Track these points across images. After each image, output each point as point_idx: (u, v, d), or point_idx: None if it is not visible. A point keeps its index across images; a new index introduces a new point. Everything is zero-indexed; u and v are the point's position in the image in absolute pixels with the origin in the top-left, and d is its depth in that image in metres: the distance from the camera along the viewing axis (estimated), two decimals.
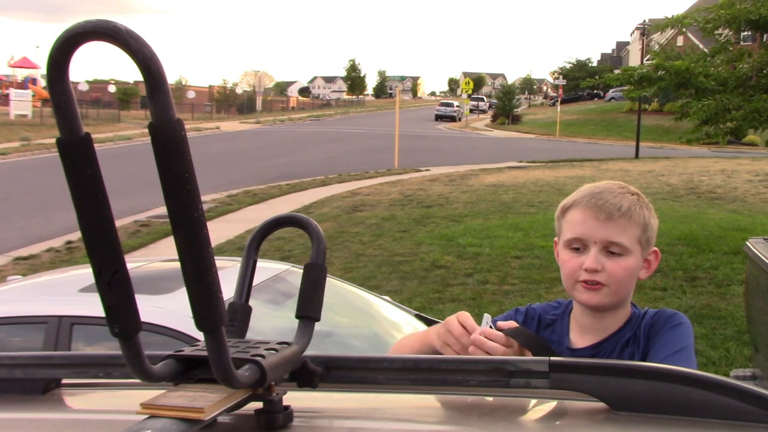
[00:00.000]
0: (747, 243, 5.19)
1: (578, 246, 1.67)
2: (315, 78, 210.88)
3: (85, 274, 4.45)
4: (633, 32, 77.99)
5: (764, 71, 10.18)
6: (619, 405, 0.93)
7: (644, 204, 1.73)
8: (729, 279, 8.73)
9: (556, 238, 1.79)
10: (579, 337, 1.75)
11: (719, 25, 10.42)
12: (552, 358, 0.98)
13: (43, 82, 53.56)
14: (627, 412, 0.93)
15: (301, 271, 1.11)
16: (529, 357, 1.06)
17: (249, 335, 1.10)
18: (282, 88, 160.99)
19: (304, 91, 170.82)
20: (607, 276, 1.65)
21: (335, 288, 4.86)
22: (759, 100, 9.55)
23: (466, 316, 1.58)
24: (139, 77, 0.74)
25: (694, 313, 7.60)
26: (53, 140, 0.79)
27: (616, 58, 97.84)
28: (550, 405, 1.03)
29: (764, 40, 10.83)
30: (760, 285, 4.85)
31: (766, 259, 4.62)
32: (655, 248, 1.75)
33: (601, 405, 0.95)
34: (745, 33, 11.64)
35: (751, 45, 12.27)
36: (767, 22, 9.73)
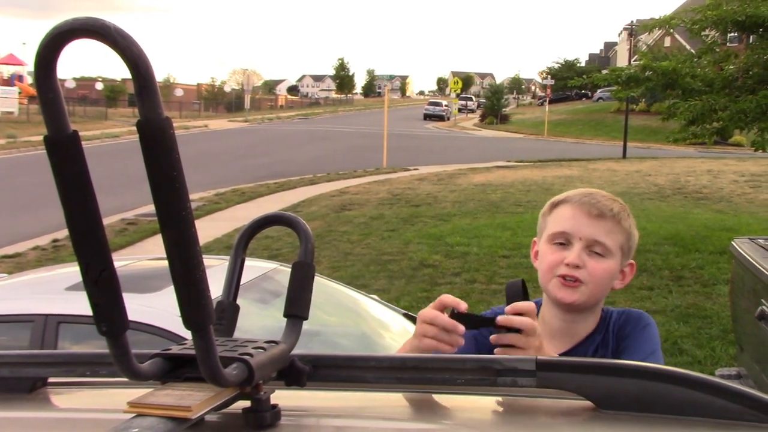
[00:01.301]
0: (732, 243, 5.22)
1: (562, 240, 1.67)
2: (304, 76, 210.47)
3: (71, 272, 4.43)
4: (621, 33, 78.25)
5: (750, 72, 10.25)
6: (606, 403, 0.94)
7: (630, 215, 1.74)
8: (715, 278, 8.79)
9: (535, 239, 1.78)
10: (547, 343, 1.69)
11: (706, 26, 10.48)
12: (539, 356, 0.98)
13: (29, 79, 53.29)
14: (613, 410, 0.93)
15: (289, 269, 1.11)
16: (517, 356, 1.06)
17: (237, 334, 1.10)
18: (270, 86, 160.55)
19: (293, 90, 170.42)
20: (586, 274, 1.64)
21: (323, 287, 4.86)
22: (745, 100, 9.61)
23: (435, 313, 1.44)
24: (127, 75, 0.74)
25: (680, 312, 7.65)
26: (40, 138, 0.79)
27: (604, 58, 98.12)
28: (537, 403, 1.03)
29: (750, 41, 10.90)
30: (745, 285, 4.88)
31: (751, 259, 4.65)
32: (632, 261, 1.76)
33: (587, 403, 0.95)
34: (732, 34, 11.70)
35: (738, 46, 12.36)
36: (753, 23, 9.79)
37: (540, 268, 1.71)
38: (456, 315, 1.44)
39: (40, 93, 0.74)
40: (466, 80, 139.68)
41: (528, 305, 1.44)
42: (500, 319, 1.42)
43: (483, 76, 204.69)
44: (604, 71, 12.83)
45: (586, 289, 1.65)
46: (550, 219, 1.73)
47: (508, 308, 1.45)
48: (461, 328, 1.43)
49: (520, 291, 1.52)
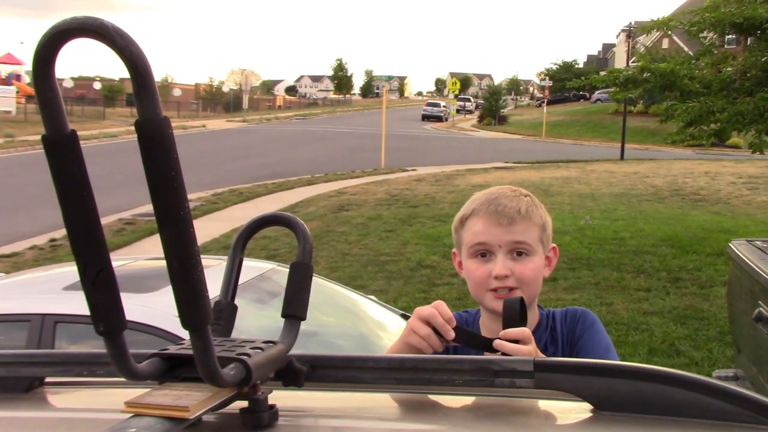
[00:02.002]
0: (730, 245, 5.22)
1: (484, 252, 1.68)
2: (302, 77, 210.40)
3: (68, 272, 4.43)
4: (619, 34, 78.26)
5: (748, 74, 10.26)
6: (603, 404, 0.94)
7: (538, 204, 1.75)
8: (712, 280, 8.80)
9: (454, 250, 1.79)
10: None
11: (704, 28, 10.49)
12: (536, 357, 0.98)
13: (27, 79, 53.22)
14: (610, 411, 0.93)
15: (287, 270, 1.11)
16: (514, 357, 1.06)
17: (235, 334, 1.10)
18: (269, 86, 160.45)
19: (291, 90, 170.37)
20: (516, 279, 1.66)
21: (321, 287, 4.86)
22: (742, 102, 9.62)
23: (434, 311, 1.47)
24: (125, 74, 0.74)
25: (678, 313, 7.65)
26: (37, 137, 0.79)
27: (602, 59, 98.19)
28: (535, 404, 1.03)
29: (748, 43, 10.91)
30: (742, 286, 4.88)
31: (748, 261, 4.65)
32: (554, 245, 1.77)
33: (585, 404, 0.95)
34: (730, 36, 11.72)
35: (735, 48, 12.37)
36: (751, 25, 9.79)
37: (469, 283, 1.73)
38: (458, 329, 1.47)
39: (38, 92, 0.74)
40: (465, 81, 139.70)
41: (523, 333, 1.45)
42: (497, 344, 1.44)
43: (481, 77, 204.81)
44: (603, 73, 12.85)
45: (520, 293, 1.65)
46: (464, 233, 1.73)
47: (502, 334, 1.46)
48: (452, 335, 1.45)
49: (518, 311, 1.51)
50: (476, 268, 1.69)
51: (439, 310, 1.47)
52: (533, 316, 1.75)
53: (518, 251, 1.67)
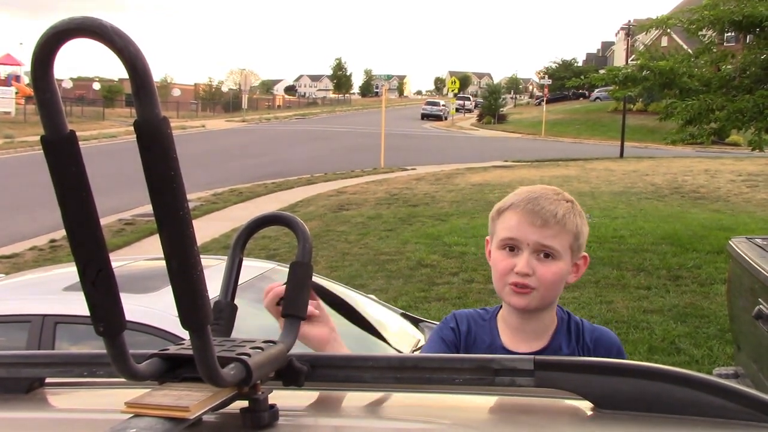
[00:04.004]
0: (730, 242, 5.22)
1: (512, 246, 1.71)
2: (301, 76, 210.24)
3: (69, 272, 4.43)
4: (618, 32, 78.26)
5: (747, 72, 10.26)
6: (604, 403, 0.94)
7: (578, 212, 1.76)
8: (712, 278, 8.80)
9: (488, 237, 1.82)
10: (511, 340, 1.78)
11: (703, 26, 10.49)
12: (537, 356, 0.98)
13: (26, 79, 53.15)
14: (611, 410, 0.93)
15: (287, 269, 1.11)
16: (515, 356, 1.06)
17: (235, 334, 1.10)
18: (268, 86, 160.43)
19: (290, 90, 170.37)
20: (536, 280, 1.69)
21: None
22: (742, 100, 9.62)
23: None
24: (124, 75, 0.74)
25: (678, 311, 7.66)
26: (37, 138, 0.79)
27: (601, 58, 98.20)
28: (535, 403, 1.03)
29: (747, 41, 10.91)
30: (742, 284, 4.88)
31: (748, 259, 4.65)
32: (585, 253, 1.79)
33: (585, 403, 0.95)
34: (729, 34, 11.72)
35: (735, 46, 12.38)
36: (750, 23, 9.79)
37: (493, 273, 1.76)
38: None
39: (37, 93, 0.74)
40: (464, 80, 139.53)
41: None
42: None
43: (480, 75, 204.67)
44: (602, 71, 12.85)
45: (537, 294, 1.70)
46: (498, 224, 1.76)
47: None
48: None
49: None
50: (502, 260, 1.73)
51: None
52: (548, 318, 1.78)
53: (545, 253, 1.69)
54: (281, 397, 0.96)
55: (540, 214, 1.69)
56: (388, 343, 1.67)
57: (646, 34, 14.05)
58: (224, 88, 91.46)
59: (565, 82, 18.78)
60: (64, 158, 0.75)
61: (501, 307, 1.85)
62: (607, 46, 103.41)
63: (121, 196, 15.27)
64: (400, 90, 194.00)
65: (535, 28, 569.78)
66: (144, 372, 0.88)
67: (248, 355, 0.91)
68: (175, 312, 0.79)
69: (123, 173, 18.07)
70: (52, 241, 11.71)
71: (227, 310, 1.12)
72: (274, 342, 0.99)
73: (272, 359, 0.96)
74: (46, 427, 1.06)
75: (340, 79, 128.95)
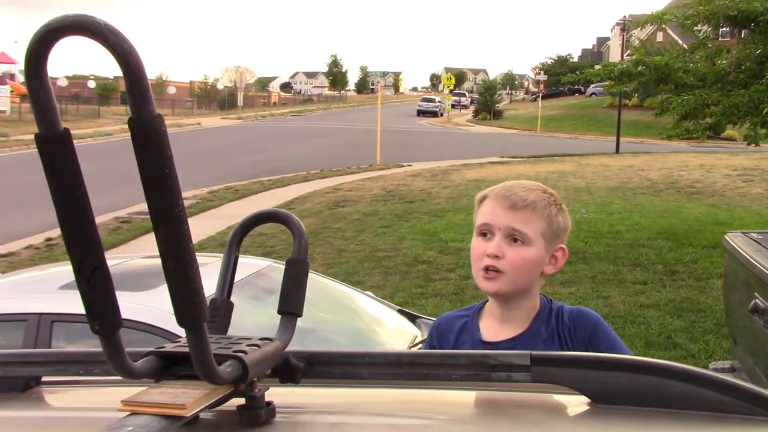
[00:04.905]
0: (725, 237, 5.23)
1: (486, 232, 1.77)
2: (296, 73, 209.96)
3: (65, 271, 4.42)
4: (613, 28, 78.39)
5: (742, 67, 10.25)
6: (600, 398, 0.94)
7: (554, 203, 1.80)
8: (708, 273, 8.81)
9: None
10: (495, 330, 1.82)
11: (698, 21, 10.48)
12: (533, 351, 0.98)
13: (21, 78, 53.02)
14: (607, 404, 0.93)
15: (283, 266, 1.11)
16: (512, 351, 1.06)
17: (231, 331, 1.10)
18: (263, 83, 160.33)
19: (286, 87, 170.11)
20: (506, 263, 1.73)
21: (318, 284, 4.86)
22: (737, 95, 9.61)
23: None
24: (119, 73, 0.74)
25: (674, 306, 7.66)
26: (32, 136, 0.78)
27: (596, 53, 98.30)
28: (532, 398, 1.03)
29: (743, 36, 10.91)
30: (738, 278, 4.89)
31: (744, 253, 4.66)
32: (563, 246, 1.81)
33: (582, 398, 0.95)
34: (724, 29, 11.71)
35: (730, 41, 12.36)
36: (746, 18, 9.79)
37: (471, 260, 1.81)
38: None
39: (30, 91, 0.74)
40: (459, 76, 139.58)
41: None
42: None
43: (476, 71, 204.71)
44: (597, 66, 12.81)
45: (507, 278, 1.73)
46: (478, 213, 1.83)
47: None
48: None
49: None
50: (476, 246, 1.78)
51: None
52: (528, 306, 1.81)
53: (514, 237, 1.73)
54: (278, 394, 0.96)
55: (510, 198, 1.75)
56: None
57: (641, 29, 14.01)
58: (220, 86, 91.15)
59: (561, 78, 18.80)
60: (58, 156, 0.75)
61: (488, 301, 1.88)
62: (602, 41, 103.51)
63: (117, 194, 15.23)
64: (396, 86, 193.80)
65: (531, 23, 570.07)
66: (140, 370, 0.88)
67: (245, 352, 0.91)
68: (171, 310, 0.79)
69: (119, 171, 18.01)
70: (48, 239, 11.68)
71: (223, 307, 1.12)
72: (270, 339, 0.99)
73: (269, 356, 0.96)
74: (43, 425, 1.06)
75: (336, 75, 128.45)
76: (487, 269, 1.74)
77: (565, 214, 1.82)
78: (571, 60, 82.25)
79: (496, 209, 1.76)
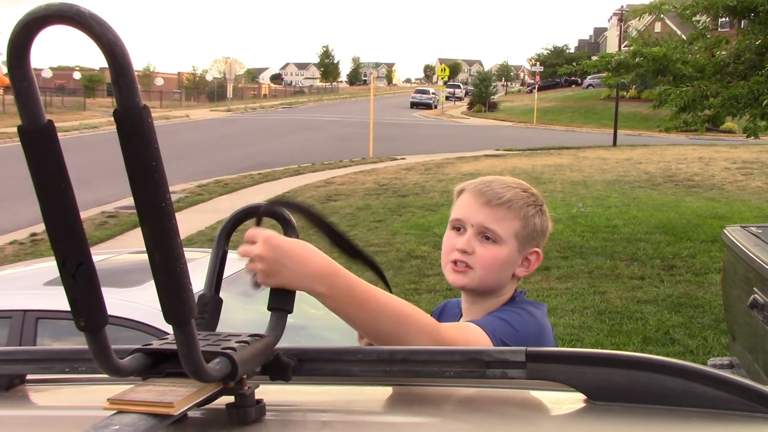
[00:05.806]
0: (724, 231, 5.21)
1: (458, 226, 1.74)
2: (287, 64, 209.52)
3: (50, 267, 4.38)
4: (611, 18, 78.42)
5: (741, 58, 10.23)
6: (597, 395, 0.93)
7: (534, 204, 1.74)
8: (707, 267, 8.81)
9: None
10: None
11: (697, 12, 10.45)
12: (528, 348, 0.97)
13: (3, 69, 52.80)
14: (604, 401, 0.93)
15: None
16: (506, 347, 1.05)
17: (220, 328, 1.09)
18: (253, 75, 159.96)
19: (276, 78, 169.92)
20: (475, 260, 1.69)
21: None
22: (736, 86, 9.59)
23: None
24: (105, 64, 0.73)
25: (672, 301, 7.67)
26: (15, 129, 0.77)
27: (593, 44, 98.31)
28: (527, 395, 1.02)
29: (742, 26, 10.89)
30: (737, 273, 4.88)
31: (743, 247, 4.65)
32: (538, 250, 1.76)
33: (578, 395, 0.94)
34: (723, 19, 11.70)
35: (729, 31, 12.35)
36: (745, 8, 9.76)
37: (441, 253, 1.78)
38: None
39: (13, 82, 0.74)
40: (454, 67, 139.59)
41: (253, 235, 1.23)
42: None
43: (471, 63, 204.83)
44: (594, 57, 12.78)
45: (475, 275, 1.70)
46: (454, 206, 1.80)
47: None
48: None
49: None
50: (447, 240, 1.75)
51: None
52: (496, 304, 1.74)
53: (486, 235, 1.70)
54: (268, 392, 0.95)
55: (486, 194, 1.70)
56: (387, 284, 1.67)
57: (639, 19, 13.98)
58: (209, 77, 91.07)
59: (557, 69, 18.81)
60: (41, 149, 0.74)
61: None
62: (599, 32, 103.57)
63: (103, 189, 15.13)
64: (389, 78, 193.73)
65: (527, 14, 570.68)
66: (127, 367, 0.87)
67: (234, 349, 0.90)
68: (159, 306, 0.78)
69: (105, 164, 17.91)
70: (33, 234, 11.57)
71: (212, 303, 1.11)
72: (260, 336, 0.98)
73: (258, 353, 0.95)
74: (27, 424, 1.05)
75: (328, 67, 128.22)
76: (456, 262, 1.71)
77: (545, 216, 1.76)
78: (567, 51, 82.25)
79: (471, 204, 1.72)
